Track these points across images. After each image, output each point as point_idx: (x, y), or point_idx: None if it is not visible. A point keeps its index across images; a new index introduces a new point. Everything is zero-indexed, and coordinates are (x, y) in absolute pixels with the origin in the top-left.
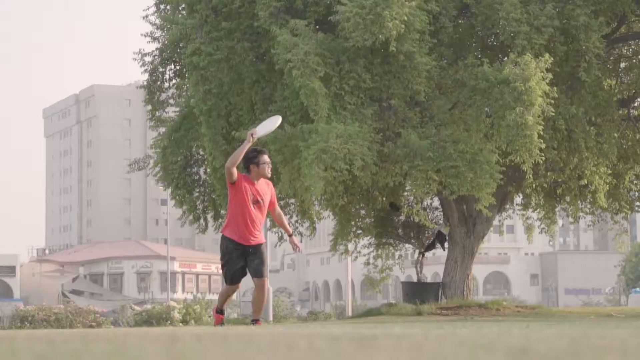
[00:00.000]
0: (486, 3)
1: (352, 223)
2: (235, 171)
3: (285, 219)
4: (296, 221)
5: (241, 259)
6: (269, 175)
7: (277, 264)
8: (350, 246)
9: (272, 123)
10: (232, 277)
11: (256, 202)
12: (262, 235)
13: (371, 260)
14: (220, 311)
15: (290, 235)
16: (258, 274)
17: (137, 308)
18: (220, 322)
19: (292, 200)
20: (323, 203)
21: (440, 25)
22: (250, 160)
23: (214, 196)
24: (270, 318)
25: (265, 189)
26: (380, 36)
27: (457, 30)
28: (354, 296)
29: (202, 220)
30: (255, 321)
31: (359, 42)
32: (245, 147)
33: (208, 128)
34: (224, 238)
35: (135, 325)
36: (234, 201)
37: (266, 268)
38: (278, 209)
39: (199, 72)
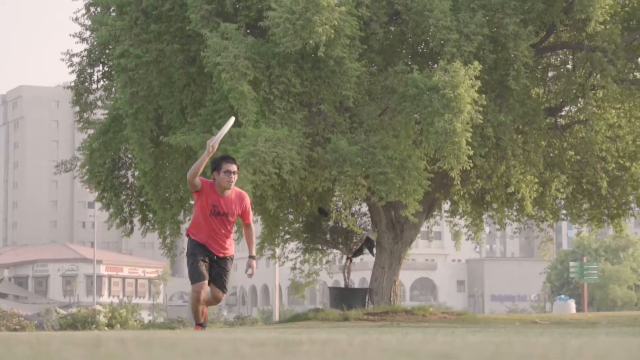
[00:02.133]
0: (416, 10)
1: (280, 228)
2: (196, 181)
3: (253, 239)
4: None
5: (207, 255)
6: (229, 187)
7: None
8: (278, 251)
9: (227, 125)
10: (199, 270)
11: (217, 214)
12: (230, 247)
13: (298, 265)
14: (201, 325)
15: (251, 257)
16: (219, 286)
17: (63, 311)
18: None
19: None
20: (253, 207)
21: (371, 31)
22: (214, 168)
23: (141, 199)
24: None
25: (235, 201)
26: (310, 41)
27: (387, 37)
28: (281, 301)
29: (128, 224)
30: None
31: (288, 48)
32: (205, 158)
33: (135, 131)
34: (190, 240)
35: (60, 329)
36: (197, 207)
37: (227, 283)
38: (251, 226)
39: (127, 74)
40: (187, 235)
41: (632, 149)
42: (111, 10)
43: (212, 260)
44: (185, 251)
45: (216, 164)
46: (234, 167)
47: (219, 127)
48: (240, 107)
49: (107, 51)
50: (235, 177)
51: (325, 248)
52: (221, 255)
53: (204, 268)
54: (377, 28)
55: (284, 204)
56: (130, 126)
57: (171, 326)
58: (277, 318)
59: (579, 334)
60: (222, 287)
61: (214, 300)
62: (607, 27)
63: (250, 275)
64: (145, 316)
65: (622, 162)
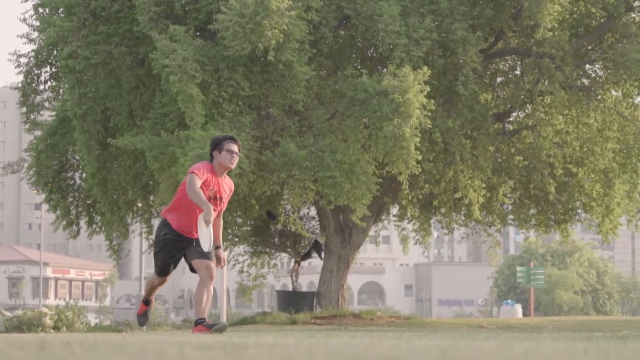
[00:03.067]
0: (366, 15)
1: (229, 231)
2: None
3: (221, 228)
4: None
5: (177, 250)
6: (232, 167)
7: (152, 271)
8: (226, 254)
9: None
10: (161, 268)
11: (214, 199)
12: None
13: (246, 268)
14: (146, 301)
15: (218, 247)
16: (204, 256)
17: (8, 314)
18: (144, 312)
19: None
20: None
21: (320, 35)
22: (214, 147)
23: (88, 202)
24: (144, 326)
25: (226, 188)
26: (259, 45)
27: (336, 41)
28: (229, 304)
29: (75, 226)
30: (200, 322)
31: (238, 51)
32: (202, 209)
33: (82, 132)
34: (165, 223)
35: (5, 331)
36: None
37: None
38: (221, 215)
39: (74, 75)
40: (164, 217)
41: (579, 154)
42: (59, 11)
43: (189, 245)
44: (156, 235)
45: (218, 143)
46: (236, 148)
47: (167, 130)
48: (188, 110)
49: (55, 52)
50: (237, 158)
51: (273, 251)
52: (195, 237)
53: (170, 265)
54: (326, 32)
55: (232, 207)
56: (78, 128)
57: (118, 329)
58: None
59: (525, 339)
60: (205, 257)
61: (207, 280)
62: (555, 33)
63: (222, 266)
64: (92, 319)
65: (569, 167)
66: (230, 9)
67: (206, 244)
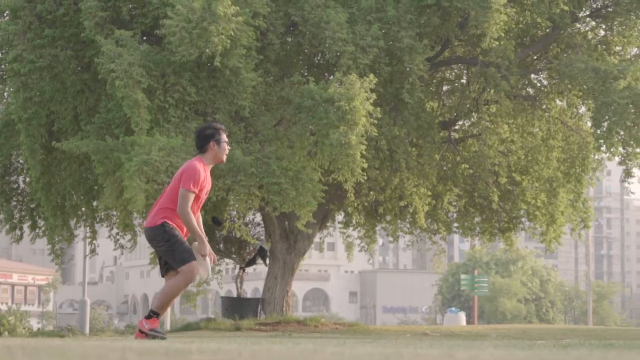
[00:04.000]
0: (313, 22)
1: None
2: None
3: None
4: (117, 234)
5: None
6: (224, 160)
7: (96, 276)
8: None
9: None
10: (190, 252)
11: (205, 193)
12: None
13: None
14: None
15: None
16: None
17: None
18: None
19: (115, 213)
20: (144, 216)
21: (268, 41)
22: (210, 137)
23: (32, 206)
24: (87, 331)
25: (210, 178)
26: (206, 50)
27: (284, 48)
28: (173, 310)
29: (18, 230)
30: (154, 315)
31: (184, 56)
32: (195, 233)
33: (27, 137)
34: (170, 227)
35: None
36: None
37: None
38: None
39: (20, 79)
40: (166, 222)
41: (524, 163)
42: (5, 14)
43: None
44: (166, 234)
45: (213, 134)
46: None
47: (112, 135)
48: (133, 115)
49: None
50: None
51: (218, 257)
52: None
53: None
54: (273, 39)
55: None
56: (23, 132)
57: (60, 334)
58: (168, 327)
59: (469, 346)
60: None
61: (191, 278)
62: (501, 43)
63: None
64: (35, 324)
65: (513, 176)
66: (176, 14)
67: (205, 274)
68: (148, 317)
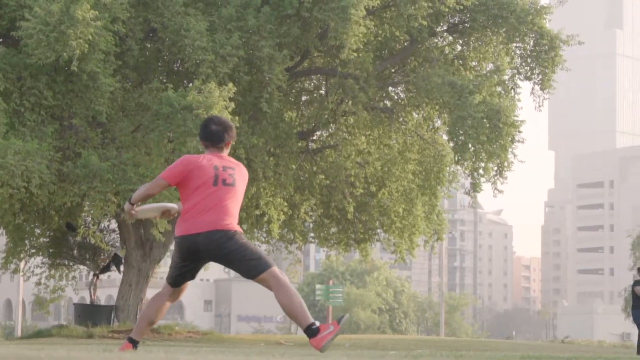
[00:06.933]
0: (173, 29)
1: (26, 242)
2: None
3: None
4: None
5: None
6: None
7: None
8: (23, 265)
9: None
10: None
11: None
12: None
13: (43, 280)
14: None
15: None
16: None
17: None
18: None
19: None
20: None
21: (127, 47)
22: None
23: None
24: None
25: None
26: (64, 54)
27: (143, 54)
28: (24, 316)
29: None
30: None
31: (41, 59)
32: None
33: None
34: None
35: None
36: None
37: None
38: None
39: None
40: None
41: (380, 175)
42: None
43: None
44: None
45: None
46: None
47: None
48: None
49: None
50: None
51: (72, 264)
52: None
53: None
54: (133, 44)
55: (31, 217)
56: None
57: None
58: (19, 334)
59: (320, 356)
60: None
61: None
62: (360, 55)
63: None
64: None
65: (370, 188)
66: (34, 17)
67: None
68: (312, 334)
